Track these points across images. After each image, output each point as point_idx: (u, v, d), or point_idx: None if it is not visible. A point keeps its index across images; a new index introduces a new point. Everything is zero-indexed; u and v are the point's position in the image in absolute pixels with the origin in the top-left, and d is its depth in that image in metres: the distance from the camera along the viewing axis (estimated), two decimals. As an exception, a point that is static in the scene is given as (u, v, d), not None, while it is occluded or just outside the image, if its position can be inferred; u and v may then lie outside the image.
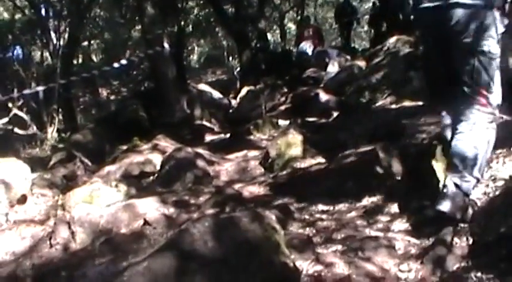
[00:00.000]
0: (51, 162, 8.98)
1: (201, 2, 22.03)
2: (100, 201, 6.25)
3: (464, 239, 3.93)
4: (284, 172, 6.54)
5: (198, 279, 3.18)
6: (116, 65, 8.49)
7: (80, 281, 4.27)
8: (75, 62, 20.31)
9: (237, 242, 3.48)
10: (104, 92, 20.93)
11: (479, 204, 4.36)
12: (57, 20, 18.58)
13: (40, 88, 9.54)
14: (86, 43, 22.84)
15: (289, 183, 6.09)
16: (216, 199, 5.59)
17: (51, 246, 5.36)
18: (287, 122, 9.09)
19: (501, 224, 3.86)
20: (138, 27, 18.38)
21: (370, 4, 20.47)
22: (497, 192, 4.40)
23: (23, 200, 6.81)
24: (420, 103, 8.65)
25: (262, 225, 3.63)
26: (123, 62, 9.54)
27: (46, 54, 18.28)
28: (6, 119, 7.84)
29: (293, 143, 6.99)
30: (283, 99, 12.92)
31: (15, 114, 7.98)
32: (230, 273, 3.33)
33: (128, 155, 8.08)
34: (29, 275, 5.02)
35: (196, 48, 31.90)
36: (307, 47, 14.78)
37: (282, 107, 12.17)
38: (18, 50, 18.01)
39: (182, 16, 19.11)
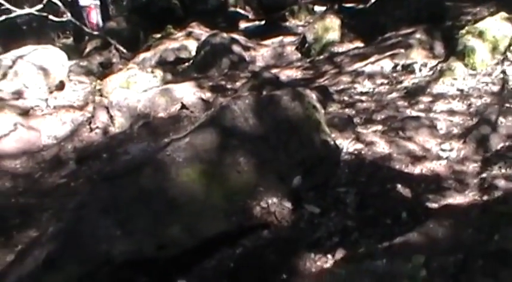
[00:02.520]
0: (87, 50, 8.96)
1: None
2: (137, 86, 6.27)
3: (510, 118, 3.84)
4: (321, 56, 6.42)
5: (238, 154, 3.18)
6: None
7: (122, 157, 4.36)
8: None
9: (278, 119, 3.45)
10: (134, -18, 20.43)
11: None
12: None
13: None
14: None
15: (326, 66, 5.98)
16: (253, 83, 5.52)
17: (91, 130, 5.46)
18: (323, 8, 8.75)
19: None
20: None
21: None
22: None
23: (61, 86, 6.87)
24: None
25: (302, 104, 3.58)
26: None
27: None
28: (40, 6, 7.74)
29: (330, 27, 6.79)
30: (319, -15, 12.41)
31: (49, 1, 7.86)
32: (270, 151, 3.33)
33: (162, 42, 7.98)
34: (72, 157, 5.17)
35: None
36: None
37: (318, -7, 11.73)
38: None
39: None
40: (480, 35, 4.75)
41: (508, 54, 4.68)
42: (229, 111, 3.34)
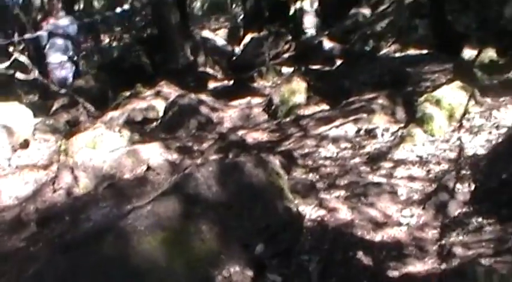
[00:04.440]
0: (54, 108, 8.91)
1: None
2: (103, 146, 6.22)
3: (467, 185, 3.96)
4: (288, 119, 6.51)
5: (201, 222, 3.20)
6: (118, 10, 8.34)
7: (84, 223, 4.31)
8: (76, 7, 20.04)
9: (241, 186, 3.50)
10: (105, 39, 20.65)
11: (482, 151, 4.37)
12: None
13: (40, 33, 9.45)
14: (87, -12, 22.43)
15: (292, 129, 6.07)
16: (220, 145, 5.59)
17: (54, 191, 5.37)
18: (291, 70, 8.95)
19: (503, 170, 3.89)
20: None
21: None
22: (499, 140, 4.40)
23: (25, 145, 6.80)
24: (425, 51, 8.59)
25: (266, 171, 3.65)
26: (126, 7, 9.34)
27: (46, -1, 17.98)
28: (7, 63, 7.76)
29: (297, 90, 6.92)
30: (287, 46, 12.77)
31: (16, 59, 7.89)
32: (233, 218, 3.36)
33: (131, 101, 8.02)
34: (33, 219, 5.07)
35: (199, -6, 31.38)
36: None
37: (286, 55, 12.04)
38: (18, -5, 17.76)
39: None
40: (437, 102, 4.93)
41: (464, 121, 4.86)
42: (192, 179, 3.38)
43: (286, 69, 9.52)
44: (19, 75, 8.20)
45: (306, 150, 5.29)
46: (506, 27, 7.32)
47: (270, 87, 8.53)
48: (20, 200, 5.53)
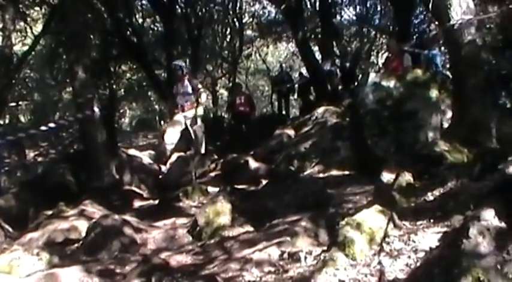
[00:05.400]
0: (-31, 229, 8.54)
1: (134, 66, 22.15)
2: (20, 270, 5.97)
3: (388, 311, 4.00)
4: (212, 241, 6.49)
5: None
6: (43, 128, 8.34)
7: None
8: (1, 122, 19.87)
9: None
10: (31, 154, 20.31)
11: (402, 275, 4.47)
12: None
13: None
14: (14, 104, 22.37)
15: (216, 252, 6.04)
16: (142, 269, 5.48)
17: (-41, 325, 5.07)
18: (217, 189, 9.04)
19: (423, 295, 3.98)
20: (69, 89, 18.22)
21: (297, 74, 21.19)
22: (418, 264, 4.53)
23: None
24: (347, 172, 8.92)
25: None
26: (51, 125, 9.30)
27: (-30, 114, 17.74)
28: None
29: (222, 211, 6.97)
30: (213, 165, 12.98)
31: None
32: None
33: (52, 221, 7.79)
34: None
35: (128, 111, 31.88)
36: None
37: (212, 174, 12.21)
38: None
39: (115, 80, 19.10)
40: (358, 226, 5.06)
41: (384, 245, 4.99)
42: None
43: (212, 189, 9.61)
44: None
45: (230, 274, 5.24)
46: (422, 152, 7.78)
47: (196, 207, 8.55)
48: None
